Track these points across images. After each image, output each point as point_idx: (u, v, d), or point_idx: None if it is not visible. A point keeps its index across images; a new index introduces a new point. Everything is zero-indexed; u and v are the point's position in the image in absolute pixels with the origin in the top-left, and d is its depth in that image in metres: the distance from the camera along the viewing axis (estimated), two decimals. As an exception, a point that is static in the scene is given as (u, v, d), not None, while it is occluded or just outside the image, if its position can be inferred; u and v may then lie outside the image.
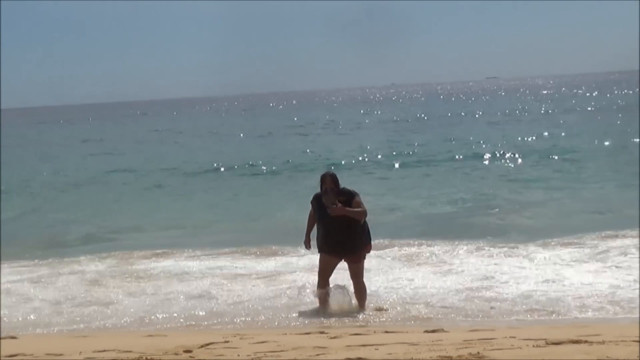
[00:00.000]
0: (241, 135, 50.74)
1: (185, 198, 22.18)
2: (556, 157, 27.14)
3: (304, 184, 21.31)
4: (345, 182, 9.62)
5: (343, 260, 9.63)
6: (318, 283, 9.70)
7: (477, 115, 59.41)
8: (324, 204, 9.40)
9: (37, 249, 14.62)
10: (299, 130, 52.10)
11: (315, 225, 9.76)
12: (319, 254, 9.69)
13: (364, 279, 9.74)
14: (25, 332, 9.00)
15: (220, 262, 12.78)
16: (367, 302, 9.73)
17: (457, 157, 29.10)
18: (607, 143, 30.97)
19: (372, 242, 9.73)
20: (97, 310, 10.16)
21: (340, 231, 9.43)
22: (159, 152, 39.19)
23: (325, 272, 9.62)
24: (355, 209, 9.32)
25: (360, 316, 9.33)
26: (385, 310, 9.60)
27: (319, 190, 9.55)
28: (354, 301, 9.68)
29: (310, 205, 9.85)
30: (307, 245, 9.90)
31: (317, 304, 9.68)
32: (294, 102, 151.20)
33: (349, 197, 9.41)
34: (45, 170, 31.68)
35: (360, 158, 30.32)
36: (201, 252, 13.68)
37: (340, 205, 9.24)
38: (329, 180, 9.44)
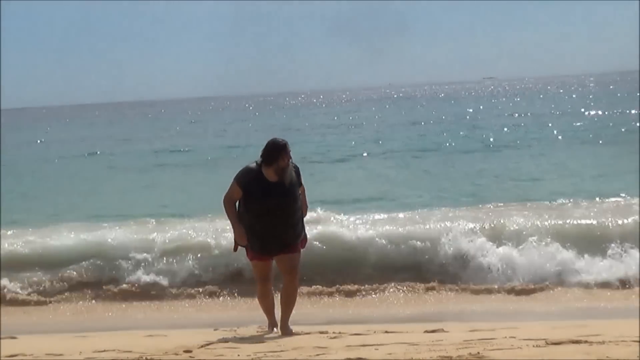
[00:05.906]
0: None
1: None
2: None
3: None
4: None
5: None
6: (260, 290, 7.46)
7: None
8: (267, 185, 6.90)
9: None
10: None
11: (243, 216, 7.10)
12: (251, 259, 7.28)
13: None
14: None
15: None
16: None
17: None
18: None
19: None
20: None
21: (284, 224, 7.04)
22: None
23: (265, 276, 7.35)
24: (305, 203, 7.38)
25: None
26: None
27: (252, 165, 6.99)
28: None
29: (238, 187, 6.98)
30: (244, 239, 7.10)
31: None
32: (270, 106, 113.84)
33: (298, 176, 7.16)
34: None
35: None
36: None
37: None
38: (289, 153, 7.02)
